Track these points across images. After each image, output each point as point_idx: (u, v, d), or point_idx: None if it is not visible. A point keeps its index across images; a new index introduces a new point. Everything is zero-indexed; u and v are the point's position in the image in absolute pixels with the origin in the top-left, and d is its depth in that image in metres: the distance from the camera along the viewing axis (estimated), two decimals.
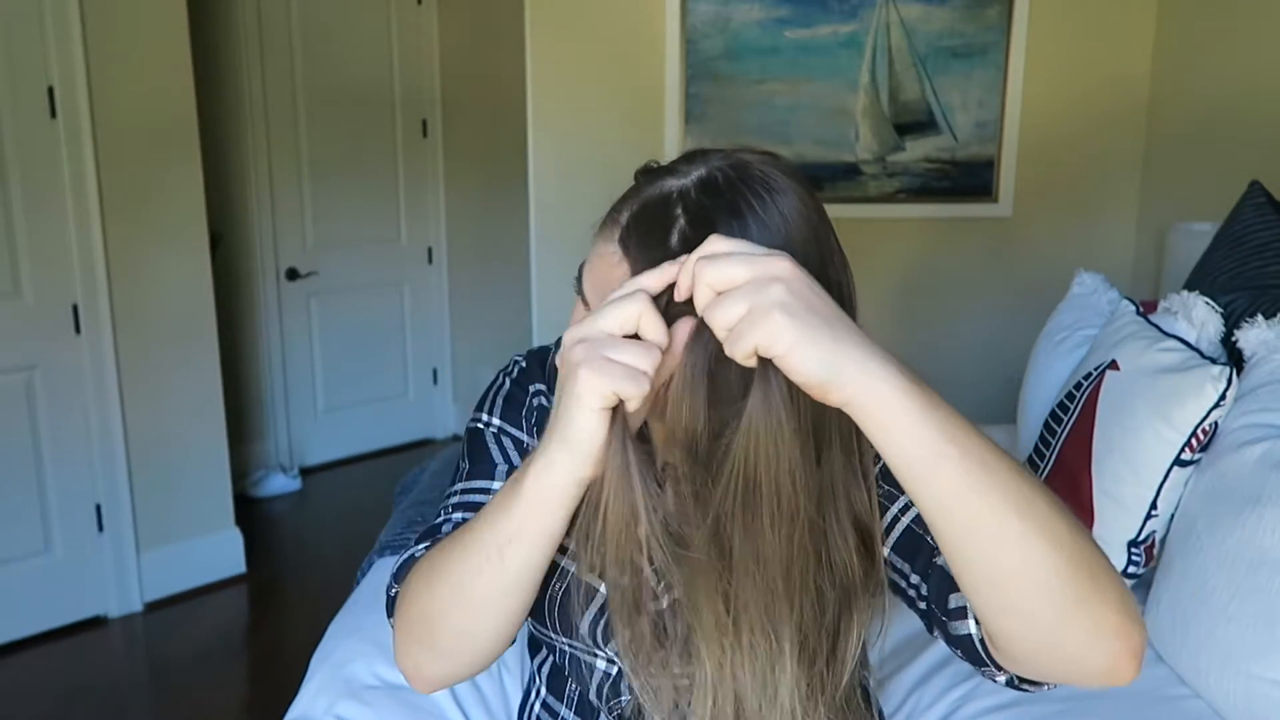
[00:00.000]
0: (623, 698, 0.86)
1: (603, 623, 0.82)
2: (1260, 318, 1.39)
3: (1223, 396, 1.31)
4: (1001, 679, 0.68)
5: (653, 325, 0.60)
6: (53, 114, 2.39)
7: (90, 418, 2.56)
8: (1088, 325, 1.76)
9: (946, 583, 0.69)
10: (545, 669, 0.95)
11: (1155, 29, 2.58)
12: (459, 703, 1.26)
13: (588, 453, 0.61)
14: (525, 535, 0.65)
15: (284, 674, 2.10)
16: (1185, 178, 2.48)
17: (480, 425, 0.89)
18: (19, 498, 2.47)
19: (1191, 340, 1.45)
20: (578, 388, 0.59)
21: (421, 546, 0.81)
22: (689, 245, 0.63)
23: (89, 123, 2.43)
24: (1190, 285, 1.65)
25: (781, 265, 0.56)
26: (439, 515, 0.84)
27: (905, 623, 1.41)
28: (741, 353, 0.56)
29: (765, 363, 0.58)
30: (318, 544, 3.22)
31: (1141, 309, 1.61)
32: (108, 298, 2.53)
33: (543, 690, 0.95)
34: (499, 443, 0.87)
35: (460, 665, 0.74)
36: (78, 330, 2.50)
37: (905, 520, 0.74)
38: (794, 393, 0.60)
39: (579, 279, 0.73)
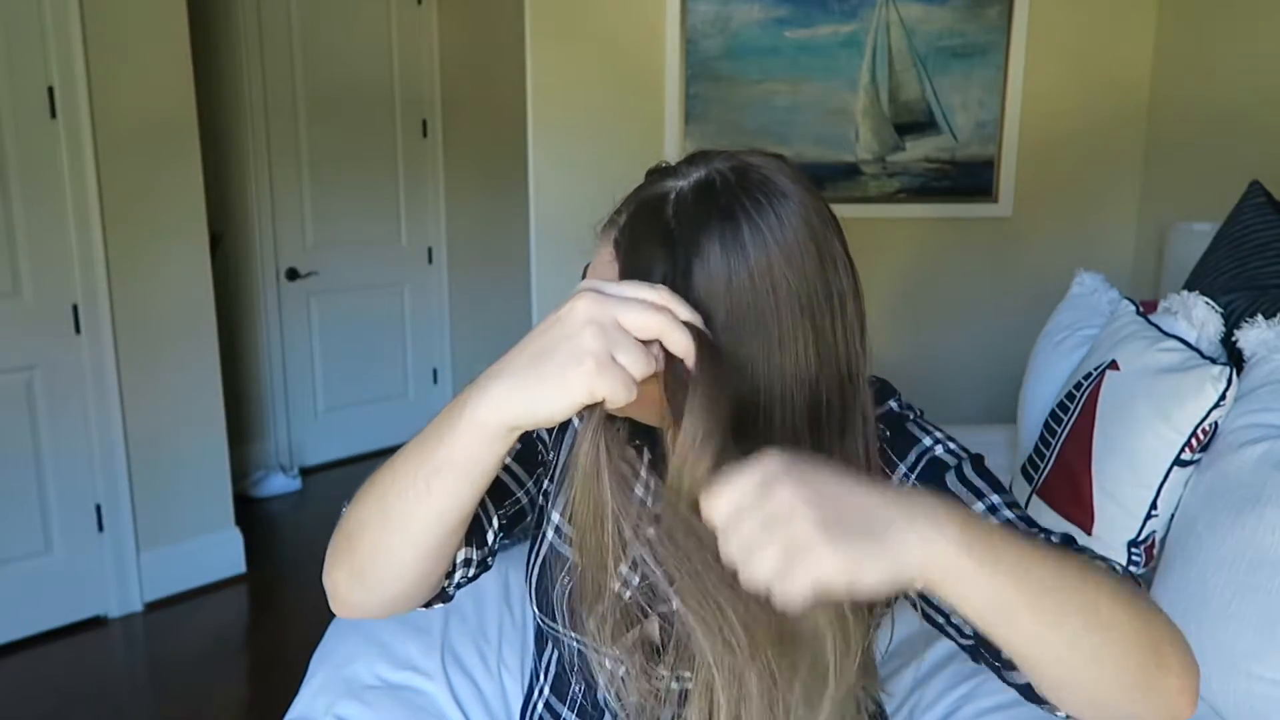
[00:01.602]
0: (632, 697, 0.86)
1: (611, 621, 0.81)
2: (1260, 318, 1.39)
3: (1223, 396, 1.31)
4: (1063, 716, 0.68)
5: (677, 342, 0.59)
6: (53, 114, 2.39)
7: (90, 418, 2.56)
8: (1088, 325, 1.76)
9: None
10: (550, 668, 0.95)
11: (1155, 29, 2.58)
12: (459, 702, 1.26)
13: (546, 419, 0.59)
14: (454, 465, 0.63)
15: (284, 674, 2.10)
16: (1185, 178, 2.48)
17: None
18: (19, 498, 2.47)
19: (1191, 340, 1.45)
20: (575, 374, 0.57)
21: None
22: (673, 249, 0.64)
23: (89, 123, 2.43)
24: (1190, 285, 1.65)
25: (786, 492, 0.52)
26: None
27: (905, 623, 1.42)
28: (796, 602, 0.52)
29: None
30: (318, 544, 3.19)
31: (1141, 309, 1.61)
32: (108, 298, 2.53)
33: (545, 690, 0.95)
34: None
35: (374, 594, 0.72)
36: (78, 330, 2.50)
37: None
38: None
39: (583, 278, 0.73)
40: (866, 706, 0.97)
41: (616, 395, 0.57)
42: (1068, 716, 0.67)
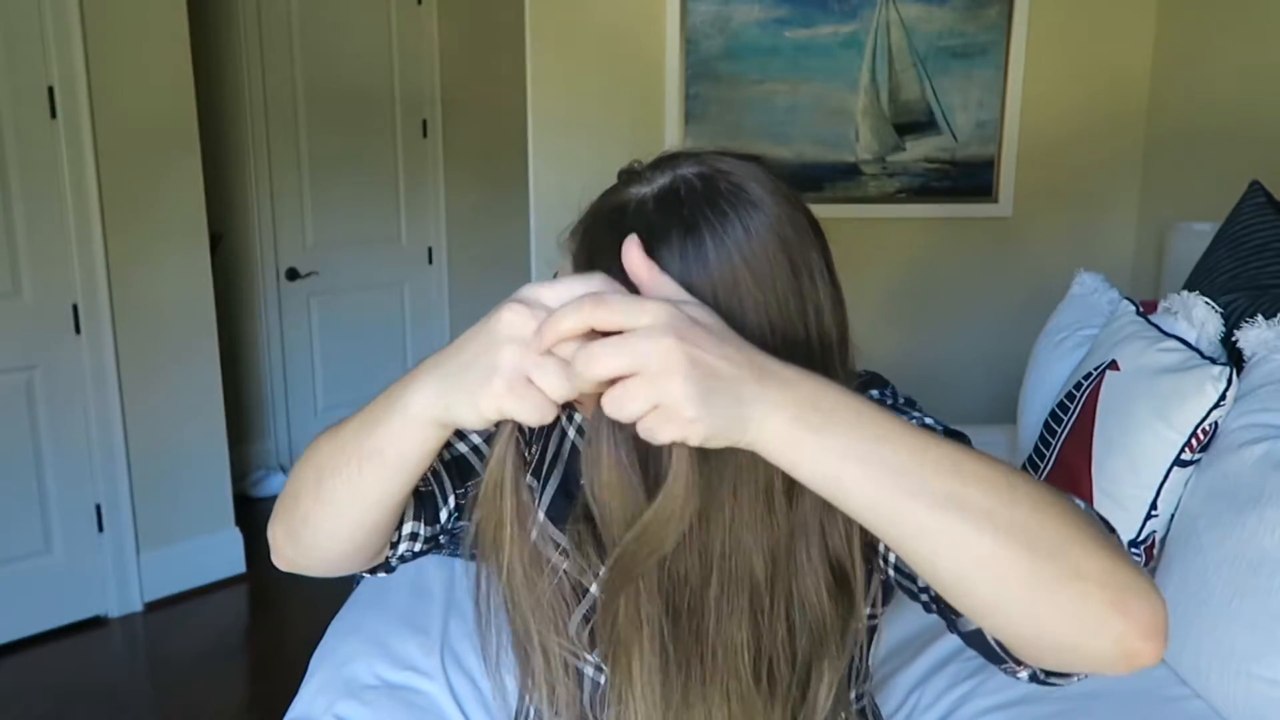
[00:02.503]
0: (612, 708, 0.85)
1: (590, 624, 0.80)
2: (1260, 318, 1.39)
3: (1223, 396, 1.31)
4: (1024, 674, 0.64)
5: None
6: (53, 114, 2.39)
7: (90, 418, 2.56)
8: (1088, 325, 1.76)
9: None
10: (536, 673, 0.94)
11: (1155, 29, 2.58)
12: (459, 702, 1.26)
13: (466, 426, 0.58)
14: (384, 458, 0.62)
15: (284, 674, 2.10)
16: (1185, 178, 2.48)
17: None
18: (19, 498, 2.47)
19: (1191, 340, 1.45)
20: (483, 393, 0.55)
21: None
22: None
23: (89, 123, 2.43)
24: (1190, 285, 1.65)
25: (668, 349, 0.51)
26: None
27: (905, 623, 1.42)
28: (658, 443, 0.54)
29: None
30: None
31: (1141, 309, 1.61)
32: (108, 298, 2.53)
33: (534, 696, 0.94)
34: None
35: (308, 556, 0.72)
36: (78, 330, 2.50)
37: None
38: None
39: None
40: (871, 711, 0.97)
41: (528, 418, 0.55)
42: (1031, 675, 0.64)
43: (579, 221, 0.69)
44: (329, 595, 2.21)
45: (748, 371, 0.53)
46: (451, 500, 0.79)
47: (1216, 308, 1.49)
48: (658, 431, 0.53)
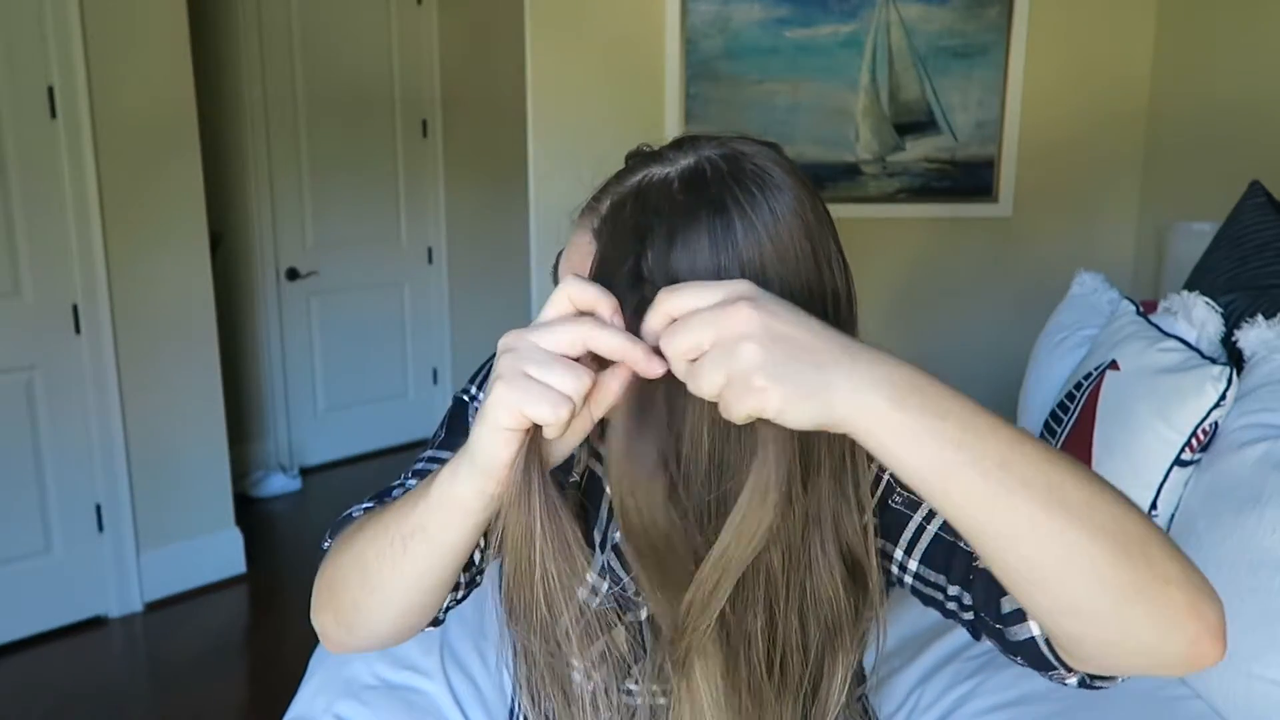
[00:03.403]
0: (603, 713, 0.84)
1: (580, 629, 0.79)
2: (1260, 318, 1.39)
3: (1223, 396, 1.31)
4: (1072, 680, 0.63)
5: (603, 344, 0.55)
6: (53, 114, 2.39)
7: (90, 418, 2.55)
8: (1088, 325, 1.76)
9: (994, 587, 0.63)
10: (525, 682, 0.92)
11: (1155, 29, 2.58)
12: (459, 702, 1.26)
13: (490, 471, 0.57)
14: (427, 535, 0.62)
15: (284, 674, 2.10)
16: (1185, 178, 2.48)
17: (466, 398, 0.87)
18: (19, 498, 2.47)
19: (1191, 340, 1.45)
20: (488, 402, 0.55)
21: (363, 506, 0.78)
22: (657, 241, 0.60)
23: (89, 123, 2.43)
24: (1190, 285, 1.65)
25: (743, 315, 0.51)
26: (397, 478, 0.82)
27: (905, 623, 1.42)
28: (736, 420, 0.53)
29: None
30: (318, 544, 3.21)
31: (1141, 309, 1.61)
32: (108, 298, 2.53)
33: (524, 703, 0.93)
34: None
35: (360, 639, 0.71)
36: (78, 330, 2.50)
37: (932, 528, 0.69)
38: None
39: (555, 268, 0.71)
40: (869, 711, 0.97)
41: (542, 413, 0.54)
42: (1080, 680, 0.63)
43: (594, 200, 0.68)
44: None
45: (833, 344, 0.52)
46: (483, 542, 0.79)
47: (1216, 308, 1.49)
48: (734, 406, 0.52)
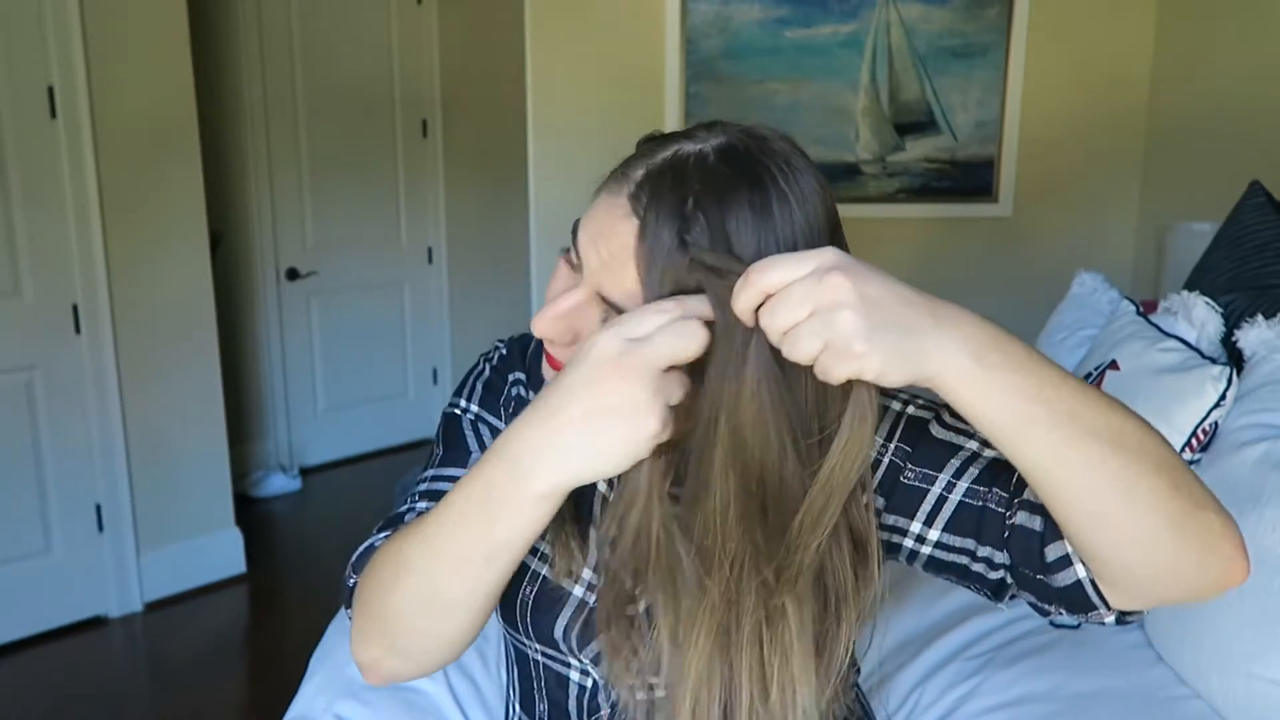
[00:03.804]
0: (601, 711, 0.84)
1: (578, 627, 0.79)
2: (1260, 318, 1.39)
3: (1223, 396, 1.31)
4: (1110, 619, 0.67)
5: (699, 349, 0.58)
6: (53, 114, 2.38)
7: (90, 418, 2.55)
8: (1088, 325, 1.76)
9: (1034, 539, 0.67)
10: (516, 682, 0.92)
11: (1155, 29, 2.58)
12: (458, 702, 1.26)
13: (605, 476, 0.59)
14: (521, 541, 0.61)
15: (284, 674, 2.10)
16: (1185, 178, 2.48)
17: (458, 411, 0.86)
18: (19, 498, 2.47)
19: (1191, 340, 1.45)
20: (639, 433, 0.56)
21: (382, 535, 0.77)
22: (702, 214, 0.61)
23: (89, 123, 2.43)
24: (1190, 285, 1.65)
25: (839, 284, 0.55)
26: (404, 503, 0.80)
27: (905, 623, 1.42)
28: (833, 381, 0.56)
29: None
30: (318, 544, 3.22)
31: (1141, 309, 1.61)
32: (108, 298, 2.53)
33: (516, 708, 0.93)
34: (475, 430, 0.83)
35: (419, 665, 0.70)
36: (78, 330, 2.50)
37: (955, 496, 0.72)
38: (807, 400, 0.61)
39: (574, 233, 0.69)
40: (862, 705, 0.97)
41: (664, 434, 0.57)
42: (1117, 618, 0.67)
43: (622, 169, 0.67)
44: (329, 595, 2.22)
45: (921, 306, 0.56)
46: None
47: (1216, 308, 1.49)
48: (832, 369, 0.55)
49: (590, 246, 0.66)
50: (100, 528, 2.61)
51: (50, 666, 2.44)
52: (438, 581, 0.64)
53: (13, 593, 2.48)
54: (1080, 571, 0.65)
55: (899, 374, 0.55)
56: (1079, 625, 0.68)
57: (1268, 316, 1.40)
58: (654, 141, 0.68)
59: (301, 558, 3.10)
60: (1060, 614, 0.69)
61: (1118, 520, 0.59)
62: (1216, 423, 1.33)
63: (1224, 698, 1.16)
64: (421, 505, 0.78)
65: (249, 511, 3.31)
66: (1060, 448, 0.57)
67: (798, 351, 0.55)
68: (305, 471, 3.74)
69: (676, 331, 0.57)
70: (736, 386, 0.60)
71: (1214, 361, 1.37)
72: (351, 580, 0.76)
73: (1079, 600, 0.66)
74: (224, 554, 2.88)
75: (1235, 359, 1.41)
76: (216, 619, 2.71)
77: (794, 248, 0.62)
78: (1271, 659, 1.10)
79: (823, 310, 0.54)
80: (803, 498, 0.62)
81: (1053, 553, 0.66)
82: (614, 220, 0.64)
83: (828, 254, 0.56)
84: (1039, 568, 0.67)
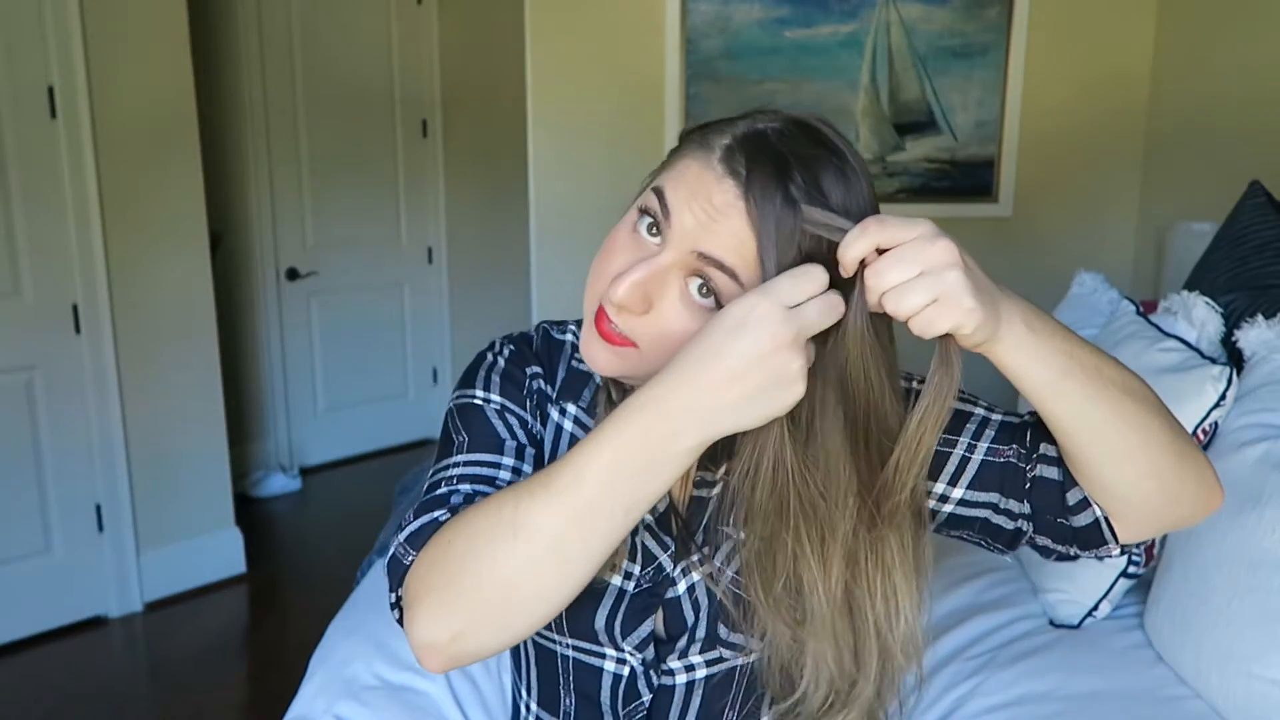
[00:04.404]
0: (643, 698, 0.85)
1: (620, 616, 0.81)
2: (1260, 318, 1.39)
3: (1223, 396, 1.31)
4: (1117, 552, 0.78)
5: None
6: (53, 114, 2.39)
7: (90, 418, 2.56)
8: (1087, 325, 1.76)
9: (1055, 488, 0.76)
10: (534, 682, 0.91)
11: (1155, 29, 2.58)
12: (459, 702, 1.26)
13: (761, 424, 0.63)
14: (659, 495, 0.64)
15: (284, 674, 2.10)
16: (1185, 178, 2.48)
17: (477, 401, 0.83)
18: (19, 498, 2.47)
19: (1191, 340, 1.45)
20: (785, 398, 0.61)
21: (435, 515, 0.74)
22: (802, 170, 0.67)
23: (89, 123, 2.43)
24: (1190, 285, 1.65)
25: (947, 247, 0.60)
26: (439, 487, 0.77)
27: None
28: (927, 336, 0.62)
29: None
30: (318, 544, 3.22)
31: (1141, 309, 1.61)
32: (108, 298, 2.53)
33: (533, 706, 0.92)
34: (503, 419, 0.82)
35: (512, 635, 0.67)
36: (78, 330, 2.50)
37: (977, 456, 0.80)
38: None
39: (659, 194, 0.69)
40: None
41: (822, 313, 0.63)
42: (1122, 550, 0.77)
43: (701, 134, 0.71)
44: (329, 595, 2.22)
45: (989, 281, 0.65)
46: None
47: (1216, 308, 1.49)
48: (937, 320, 0.61)
49: (684, 207, 0.68)
50: (100, 528, 2.62)
51: (50, 666, 2.45)
52: (568, 538, 0.63)
53: (13, 593, 2.48)
54: (1097, 511, 0.75)
55: (984, 332, 0.62)
56: (1076, 558, 0.80)
57: (1268, 316, 1.39)
58: (707, 127, 0.72)
59: (301, 558, 3.10)
60: (1071, 551, 0.78)
61: (1139, 454, 0.70)
62: (1216, 423, 1.33)
63: (1224, 698, 1.16)
64: (465, 488, 0.76)
65: (249, 511, 3.31)
66: (1091, 397, 0.67)
67: (904, 305, 0.61)
68: (305, 471, 3.75)
69: (828, 302, 0.63)
70: (841, 328, 0.66)
71: (1214, 361, 1.37)
72: (409, 558, 0.71)
73: (1093, 537, 0.76)
74: (224, 554, 2.88)
75: (1235, 359, 1.41)
76: (216, 619, 2.71)
77: (863, 214, 0.67)
78: (1271, 659, 1.10)
79: (932, 270, 0.60)
80: (898, 436, 0.69)
81: (1073, 497, 0.76)
82: (710, 181, 0.68)
83: (927, 222, 0.62)
84: (1061, 511, 0.77)
